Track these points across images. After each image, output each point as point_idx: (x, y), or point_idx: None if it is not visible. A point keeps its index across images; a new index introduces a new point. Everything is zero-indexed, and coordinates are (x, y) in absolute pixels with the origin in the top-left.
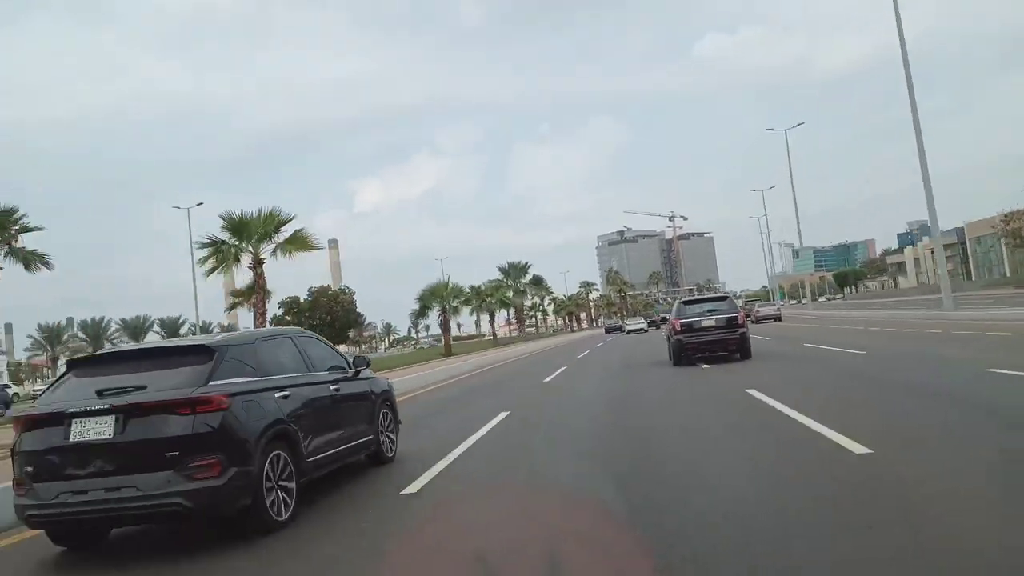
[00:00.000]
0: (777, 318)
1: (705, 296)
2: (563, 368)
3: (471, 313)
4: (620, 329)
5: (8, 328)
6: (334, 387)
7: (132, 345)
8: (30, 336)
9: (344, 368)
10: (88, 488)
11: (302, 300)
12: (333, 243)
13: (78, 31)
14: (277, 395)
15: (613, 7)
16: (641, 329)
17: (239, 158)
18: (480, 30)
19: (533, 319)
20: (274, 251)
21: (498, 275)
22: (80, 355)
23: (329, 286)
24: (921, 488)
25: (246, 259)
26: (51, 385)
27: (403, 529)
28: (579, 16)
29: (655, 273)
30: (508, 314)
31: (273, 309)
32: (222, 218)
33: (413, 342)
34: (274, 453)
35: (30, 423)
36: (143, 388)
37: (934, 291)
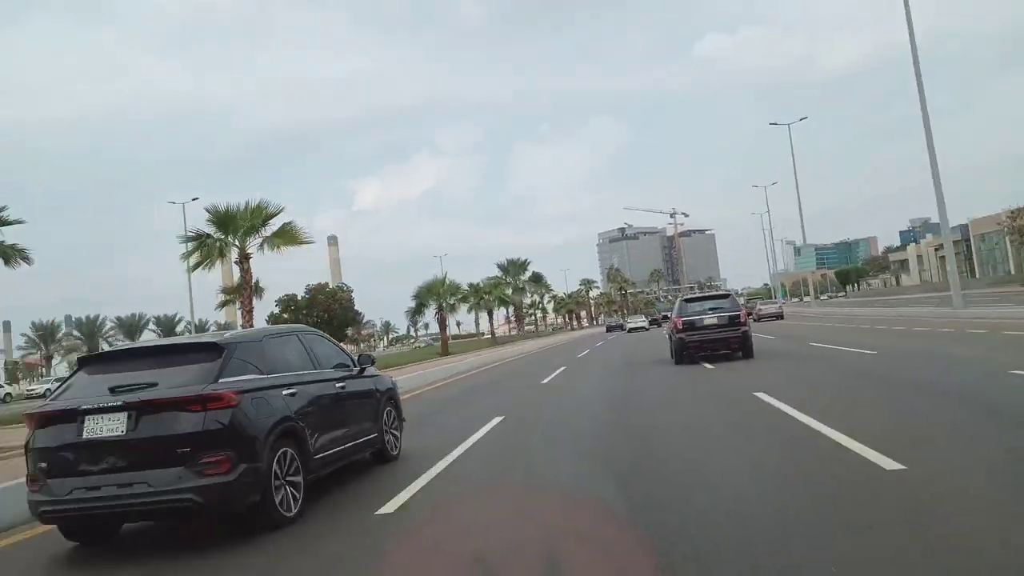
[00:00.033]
0: (779, 316)
1: (707, 294)
2: (562, 368)
3: (469, 311)
4: (621, 327)
5: (7, 327)
6: (340, 385)
7: (143, 343)
8: (24, 335)
9: (349, 366)
10: (101, 484)
11: (299, 298)
12: (333, 240)
13: (78, 31)
14: (285, 392)
15: (613, 7)
16: (642, 327)
17: (239, 158)
18: (480, 30)
19: (532, 317)
20: (261, 245)
21: (497, 273)
22: (92, 352)
23: (327, 284)
24: (970, 513)
25: (233, 254)
26: (63, 382)
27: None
28: (579, 16)
29: (656, 271)
30: (508, 312)
31: (270, 306)
32: (207, 211)
33: (412, 340)
34: (282, 450)
35: (43, 420)
36: (154, 385)
37: (938, 289)
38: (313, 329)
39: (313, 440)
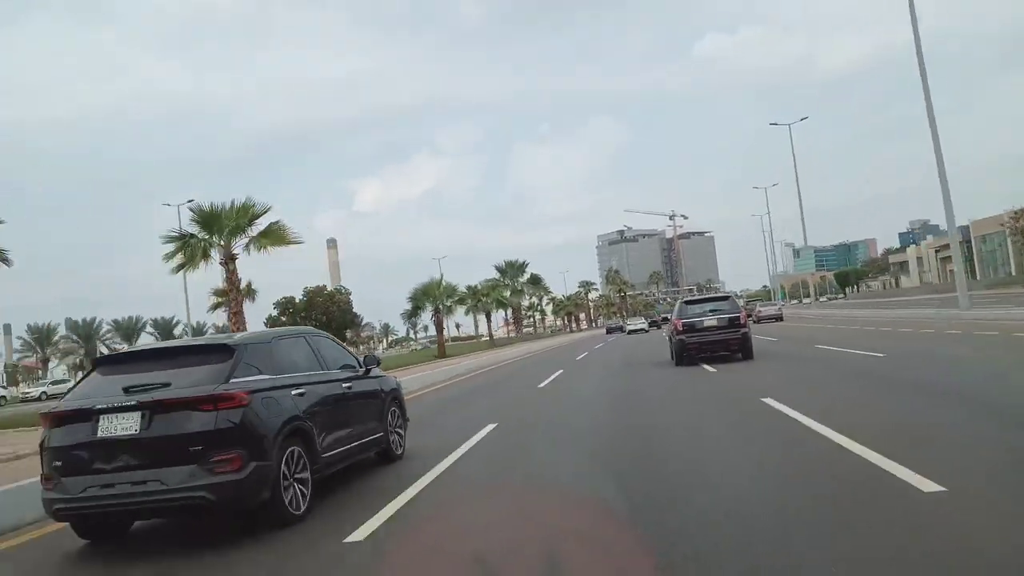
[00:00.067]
0: (779, 318)
1: (707, 296)
2: (560, 372)
3: (467, 313)
4: (621, 329)
5: (7, 329)
6: (346, 385)
7: (155, 344)
8: (20, 337)
9: (355, 367)
10: (115, 482)
11: (297, 300)
12: (332, 243)
13: (78, 31)
14: (293, 393)
15: (613, 7)
16: (642, 329)
17: (239, 158)
18: (480, 30)
19: (531, 319)
20: (247, 246)
21: (495, 275)
22: (106, 353)
23: (325, 286)
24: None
25: (218, 255)
26: (77, 382)
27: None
28: (579, 16)
29: (655, 273)
30: (507, 314)
31: (268, 309)
32: (191, 210)
33: (412, 342)
34: (291, 449)
35: (58, 419)
36: (167, 385)
37: (938, 290)
38: (320, 331)
39: (320, 439)
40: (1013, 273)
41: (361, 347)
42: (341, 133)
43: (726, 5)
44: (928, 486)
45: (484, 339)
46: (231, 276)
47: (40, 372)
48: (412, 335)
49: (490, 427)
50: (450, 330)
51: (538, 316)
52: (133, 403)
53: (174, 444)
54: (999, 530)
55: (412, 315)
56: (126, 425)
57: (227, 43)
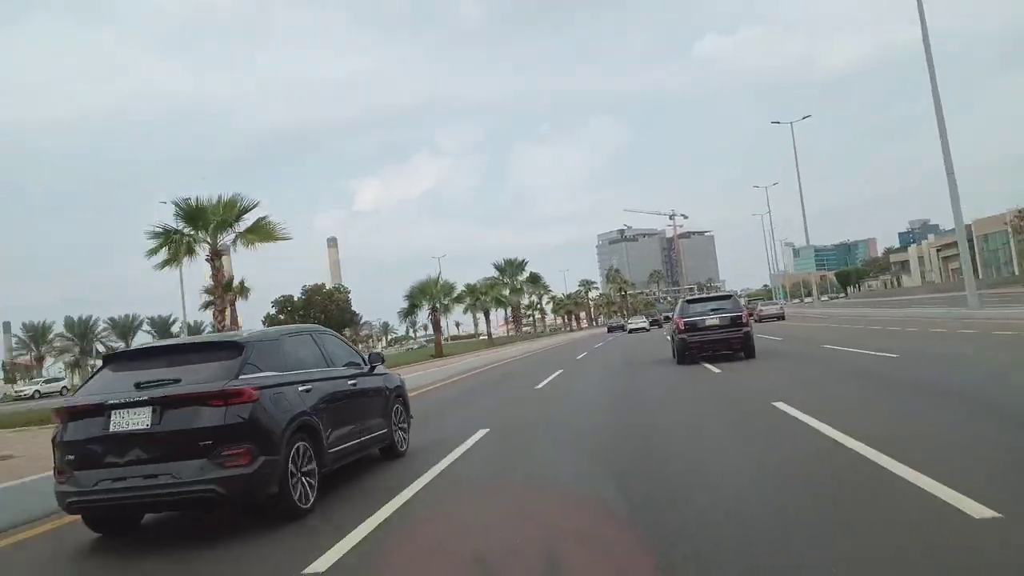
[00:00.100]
0: (780, 317)
1: (709, 295)
2: (559, 372)
3: (465, 312)
4: (622, 328)
5: (7, 327)
6: (351, 382)
7: (166, 341)
8: (15, 335)
9: (360, 364)
10: (127, 475)
11: (295, 299)
12: (332, 242)
13: (78, 31)
14: (300, 389)
15: (613, 7)
16: (643, 328)
17: (239, 158)
18: (480, 30)
19: (530, 318)
20: (234, 241)
21: (494, 273)
22: (117, 350)
23: (324, 284)
24: None
25: (204, 251)
26: (88, 378)
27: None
28: (579, 16)
29: (656, 272)
30: (506, 313)
31: (266, 307)
32: (176, 204)
33: (410, 341)
34: (298, 444)
35: (71, 414)
36: (178, 381)
37: (941, 289)
38: (326, 329)
39: (327, 435)
40: (1016, 273)
41: (360, 345)
42: (341, 133)
43: (726, 5)
44: (978, 510)
45: (483, 338)
46: (217, 273)
47: (35, 371)
48: (412, 334)
49: (484, 431)
50: (449, 329)
51: (537, 315)
52: (144, 398)
53: (185, 438)
54: None
55: (408, 313)
56: (138, 420)
57: (227, 43)
